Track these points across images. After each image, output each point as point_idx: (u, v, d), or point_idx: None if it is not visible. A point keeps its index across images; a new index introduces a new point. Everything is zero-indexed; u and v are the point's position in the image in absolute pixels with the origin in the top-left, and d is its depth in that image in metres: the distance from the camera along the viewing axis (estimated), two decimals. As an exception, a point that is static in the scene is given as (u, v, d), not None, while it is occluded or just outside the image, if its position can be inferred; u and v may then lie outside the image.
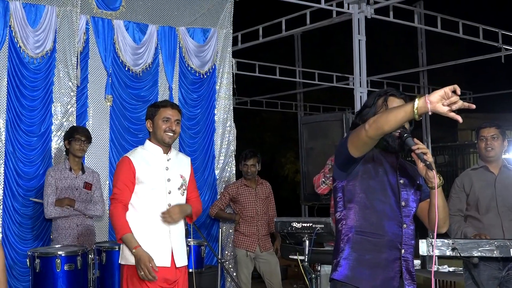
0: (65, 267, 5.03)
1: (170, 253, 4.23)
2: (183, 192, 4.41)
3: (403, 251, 3.24)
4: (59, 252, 5.07)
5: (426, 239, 4.18)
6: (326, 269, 5.29)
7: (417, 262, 8.50)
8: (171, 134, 4.30)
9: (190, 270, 5.57)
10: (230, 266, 6.94)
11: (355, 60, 8.13)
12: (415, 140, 3.10)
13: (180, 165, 4.45)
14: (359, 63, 8.13)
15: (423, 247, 4.20)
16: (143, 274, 4.05)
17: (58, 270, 5.00)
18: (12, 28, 6.04)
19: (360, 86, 8.11)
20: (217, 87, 7.61)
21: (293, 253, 9.30)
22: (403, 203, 3.26)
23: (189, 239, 5.41)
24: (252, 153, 6.89)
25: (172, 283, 4.24)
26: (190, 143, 7.33)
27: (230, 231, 7.30)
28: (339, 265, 3.21)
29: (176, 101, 7.10)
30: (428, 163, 3.02)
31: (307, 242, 4.92)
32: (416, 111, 2.75)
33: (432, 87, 11.91)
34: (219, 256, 6.02)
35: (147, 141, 4.39)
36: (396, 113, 2.85)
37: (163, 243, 4.23)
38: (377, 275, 3.17)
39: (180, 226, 4.39)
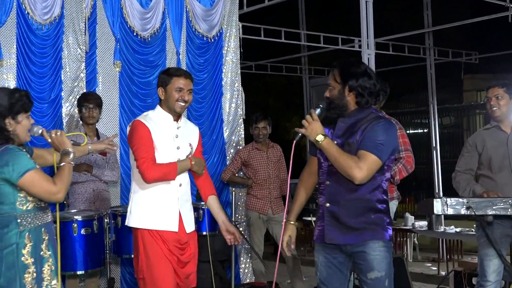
0: (82, 231, 5.11)
1: (177, 218, 4.28)
2: None
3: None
4: (76, 217, 5.13)
5: (441, 198, 4.21)
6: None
7: (423, 223, 8.60)
8: (183, 104, 4.29)
9: (204, 233, 5.64)
10: (241, 229, 6.99)
11: (362, 22, 8.06)
12: None
13: (189, 133, 4.46)
14: (366, 25, 8.08)
15: (437, 206, 4.22)
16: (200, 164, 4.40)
17: (75, 235, 5.07)
18: (19, -6, 6.01)
19: (368, 48, 8.06)
20: (224, 51, 7.60)
21: (306, 214, 9.37)
22: None
23: (202, 203, 5.44)
24: (263, 116, 6.91)
25: (184, 244, 4.31)
26: (197, 107, 7.34)
27: (240, 194, 7.35)
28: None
29: (183, 66, 7.09)
30: None
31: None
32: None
33: (437, 48, 11.84)
34: (232, 219, 6.06)
35: (158, 107, 4.37)
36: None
37: (171, 209, 4.28)
38: None
39: (188, 192, 4.45)
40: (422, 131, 14.30)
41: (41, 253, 3.46)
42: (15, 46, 6.02)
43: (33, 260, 3.40)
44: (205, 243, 5.70)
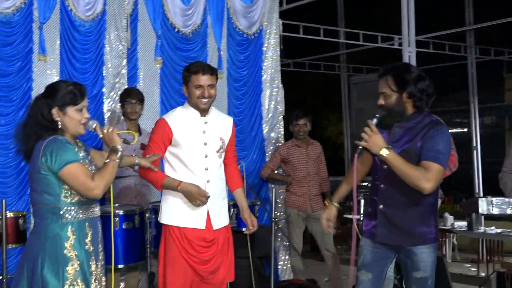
0: (124, 226, 5.14)
1: (205, 215, 4.26)
2: (221, 155, 4.41)
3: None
4: (118, 211, 5.17)
5: (486, 197, 4.16)
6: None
7: (463, 223, 8.48)
8: (205, 100, 4.25)
9: (244, 229, 5.63)
10: (280, 225, 6.98)
11: (404, 19, 7.99)
12: None
13: (220, 127, 4.41)
14: (407, 22, 8.00)
15: (482, 205, 4.18)
16: (199, 203, 4.19)
17: (116, 229, 5.10)
18: (63, -9, 6.08)
19: (409, 45, 7.99)
20: (265, 48, 7.60)
21: (348, 212, 9.33)
22: None
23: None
24: (303, 113, 6.89)
25: (210, 241, 4.27)
26: (238, 104, 7.37)
27: (280, 191, 7.34)
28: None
29: (224, 62, 7.13)
30: None
31: (362, 201, 4.93)
32: None
33: (479, 46, 11.68)
34: (272, 216, 6.06)
35: (186, 103, 4.39)
36: None
37: (199, 207, 4.25)
38: None
39: (219, 189, 4.39)
40: (462, 130, 14.14)
41: (86, 247, 3.46)
42: (58, 42, 6.09)
43: (76, 253, 3.40)
44: (244, 240, 5.71)
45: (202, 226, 4.24)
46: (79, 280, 3.39)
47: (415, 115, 3.78)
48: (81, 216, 3.46)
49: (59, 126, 3.46)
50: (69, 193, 3.41)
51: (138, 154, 5.80)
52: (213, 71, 4.30)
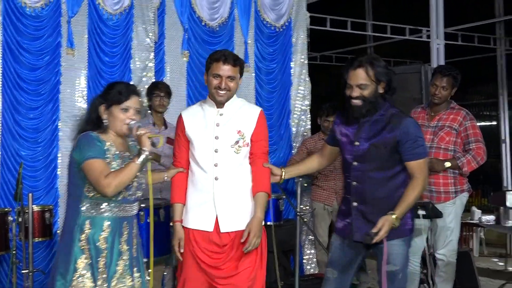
0: (148, 220, 5.15)
1: (214, 217, 3.92)
2: (238, 150, 3.95)
3: None
4: (142, 205, 5.17)
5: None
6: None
7: (491, 217, 8.40)
8: (223, 92, 3.89)
9: (269, 223, 5.63)
10: (305, 219, 6.97)
11: (432, 11, 7.94)
12: None
13: (239, 118, 3.99)
14: (435, 14, 7.94)
15: (510, 198, 4.15)
16: (175, 250, 3.98)
17: (141, 223, 5.11)
18: (90, -15, 6.14)
19: (437, 38, 7.93)
20: (293, 41, 7.57)
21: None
22: None
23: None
24: (334, 110, 6.85)
25: (223, 247, 3.91)
26: (268, 98, 7.36)
27: (306, 185, 7.32)
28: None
29: (251, 55, 7.13)
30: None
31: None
32: None
33: (509, 38, 11.53)
34: (297, 209, 6.06)
35: (208, 95, 4.05)
36: None
37: (207, 207, 3.94)
38: None
39: (232, 188, 3.97)
40: (491, 123, 13.98)
41: (97, 243, 3.44)
42: (86, 36, 6.17)
43: (89, 247, 3.42)
44: (269, 234, 5.71)
45: (210, 228, 3.92)
46: (88, 273, 3.42)
47: (382, 105, 3.84)
48: (100, 212, 3.47)
49: (105, 124, 3.53)
50: (91, 188, 3.44)
51: (164, 148, 5.86)
52: (236, 62, 3.91)
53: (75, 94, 6.16)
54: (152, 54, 6.49)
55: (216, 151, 3.92)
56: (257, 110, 4.10)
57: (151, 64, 6.48)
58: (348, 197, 3.95)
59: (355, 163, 3.84)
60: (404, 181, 3.82)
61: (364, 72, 3.79)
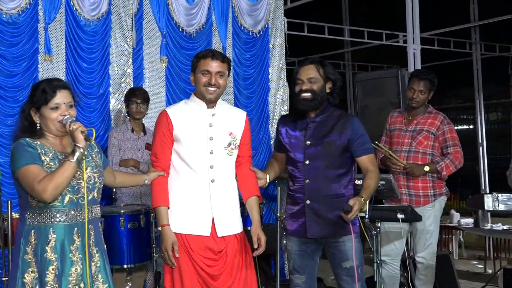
0: (129, 225, 5.15)
1: (210, 221, 3.76)
2: (231, 152, 3.88)
3: None
4: (123, 211, 5.18)
5: (492, 194, 4.16)
6: (386, 225, 5.30)
7: (470, 220, 8.46)
8: (213, 89, 3.77)
9: (249, 228, 5.61)
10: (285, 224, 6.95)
11: (408, 16, 7.99)
12: None
13: (230, 120, 3.92)
14: (412, 19, 8.00)
15: (488, 202, 4.18)
16: (164, 257, 3.75)
17: (122, 228, 5.12)
18: (68, -9, 6.10)
19: (414, 43, 7.98)
20: (271, 46, 7.60)
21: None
22: None
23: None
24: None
25: (218, 253, 3.77)
26: (247, 103, 7.37)
27: (285, 189, 7.31)
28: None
29: (229, 61, 7.11)
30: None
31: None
32: None
33: (484, 42, 11.65)
34: (278, 214, 6.06)
35: (192, 95, 3.92)
36: None
37: (202, 210, 3.78)
38: None
39: (227, 190, 3.88)
40: (468, 127, 14.12)
41: (45, 254, 3.23)
42: (64, 42, 6.12)
43: (35, 260, 3.23)
44: (250, 238, 5.70)
45: (207, 232, 3.75)
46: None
47: (327, 107, 4.05)
48: (45, 221, 3.27)
49: (38, 128, 3.34)
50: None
51: (143, 154, 5.83)
52: (224, 59, 3.83)
53: (53, 100, 6.09)
54: (131, 60, 6.47)
55: (211, 152, 3.80)
56: (244, 113, 4.07)
57: (129, 70, 6.45)
58: (299, 196, 4.03)
59: (307, 162, 3.97)
60: (350, 180, 4.05)
61: (314, 68, 3.98)
